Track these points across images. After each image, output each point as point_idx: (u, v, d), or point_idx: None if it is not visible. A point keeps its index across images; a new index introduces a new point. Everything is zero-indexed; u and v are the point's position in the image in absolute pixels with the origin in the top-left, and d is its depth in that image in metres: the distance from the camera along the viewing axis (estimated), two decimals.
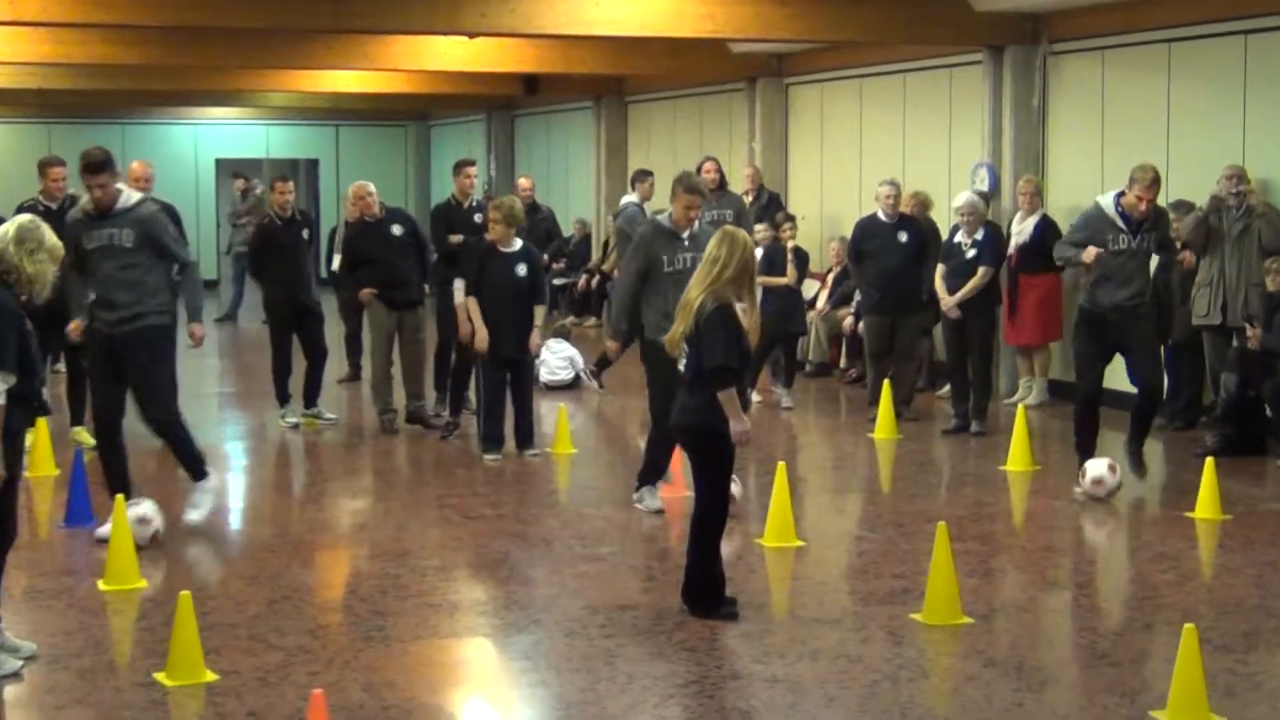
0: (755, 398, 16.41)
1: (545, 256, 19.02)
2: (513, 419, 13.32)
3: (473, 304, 12.96)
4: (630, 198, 19.52)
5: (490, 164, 30.23)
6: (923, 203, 16.88)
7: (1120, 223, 11.57)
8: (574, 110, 28.05)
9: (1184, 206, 14.31)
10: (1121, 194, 11.62)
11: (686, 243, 10.84)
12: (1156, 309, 13.11)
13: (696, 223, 11.08)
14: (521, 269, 13.01)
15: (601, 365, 16.69)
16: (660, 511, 11.04)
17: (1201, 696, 6.87)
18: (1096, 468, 11.54)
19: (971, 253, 14.63)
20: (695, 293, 8.43)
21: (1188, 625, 6.89)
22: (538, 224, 20.09)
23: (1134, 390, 12.23)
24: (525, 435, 13.37)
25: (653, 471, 11.28)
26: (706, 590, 8.57)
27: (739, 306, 8.41)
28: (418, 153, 34.87)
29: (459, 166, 15.54)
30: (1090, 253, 11.53)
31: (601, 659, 7.87)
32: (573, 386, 17.67)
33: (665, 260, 10.80)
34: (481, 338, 12.85)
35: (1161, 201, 14.25)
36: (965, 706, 7.20)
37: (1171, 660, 7.29)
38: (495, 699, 7.59)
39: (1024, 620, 8.81)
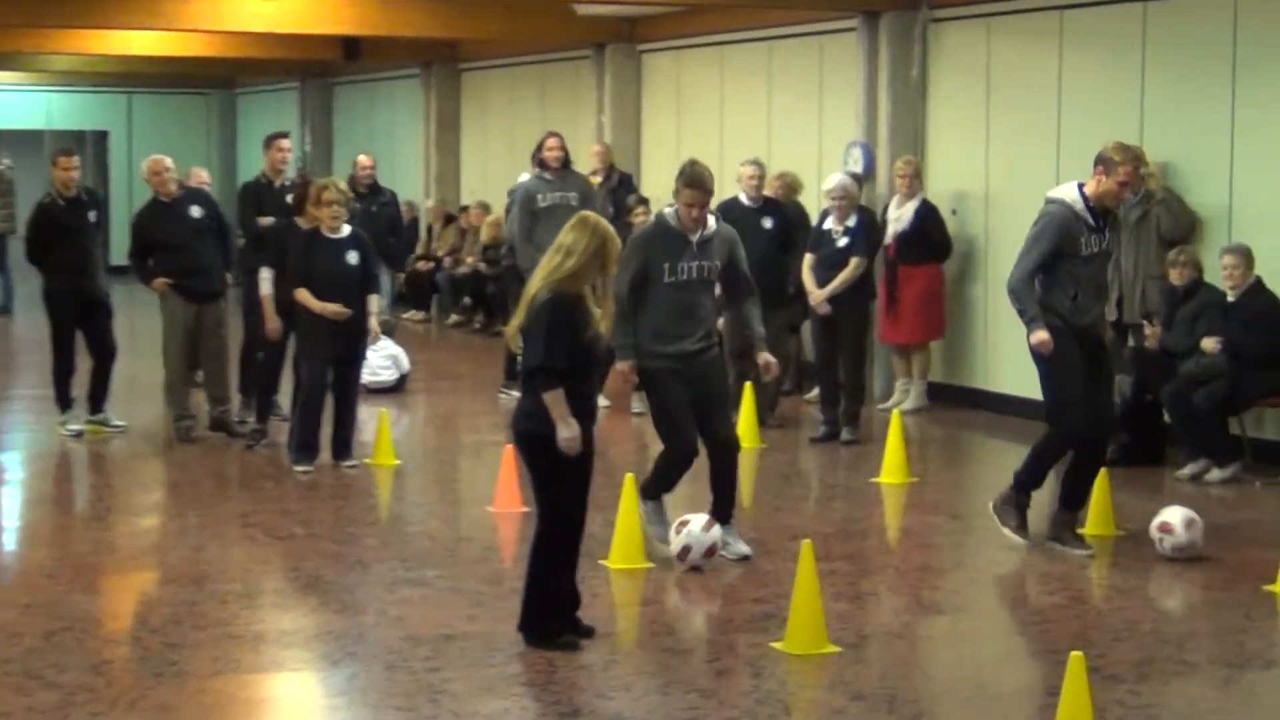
0: (604, 402, 16.48)
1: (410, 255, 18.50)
2: (331, 426, 13.26)
3: (305, 294, 12.85)
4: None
5: (305, 138, 30.04)
6: (790, 185, 17.01)
7: (1090, 219, 10.65)
8: (400, 79, 27.99)
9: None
10: (1083, 185, 10.77)
11: (696, 249, 10.25)
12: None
13: (711, 224, 10.34)
14: (352, 257, 12.96)
15: None
16: (746, 557, 10.38)
17: None
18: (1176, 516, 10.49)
19: (843, 241, 14.77)
20: (533, 284, 8.45)
21: (1074, 653, 7.01)
22: (381, 209, 19.74)
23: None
24: (343, 445, 13.33)
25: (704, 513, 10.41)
26: (540, 618, 8.58)
27: (591, 302, 8.45)
28: (222, 125, 34.60)
29: (270, 140, 15.46)
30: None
31: (425, 695, 7.83)
32: (396, 389, 17.61)
33: (666, 268, 10.20)
34: (274, 327, 13.26)
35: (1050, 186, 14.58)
36: None
37: (1054, 691, 7.43)
38: None
39: (897, 648, 8.91)
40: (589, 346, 8.49)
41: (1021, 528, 10.70)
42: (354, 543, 11.06)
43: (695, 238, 10.23)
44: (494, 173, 25.36)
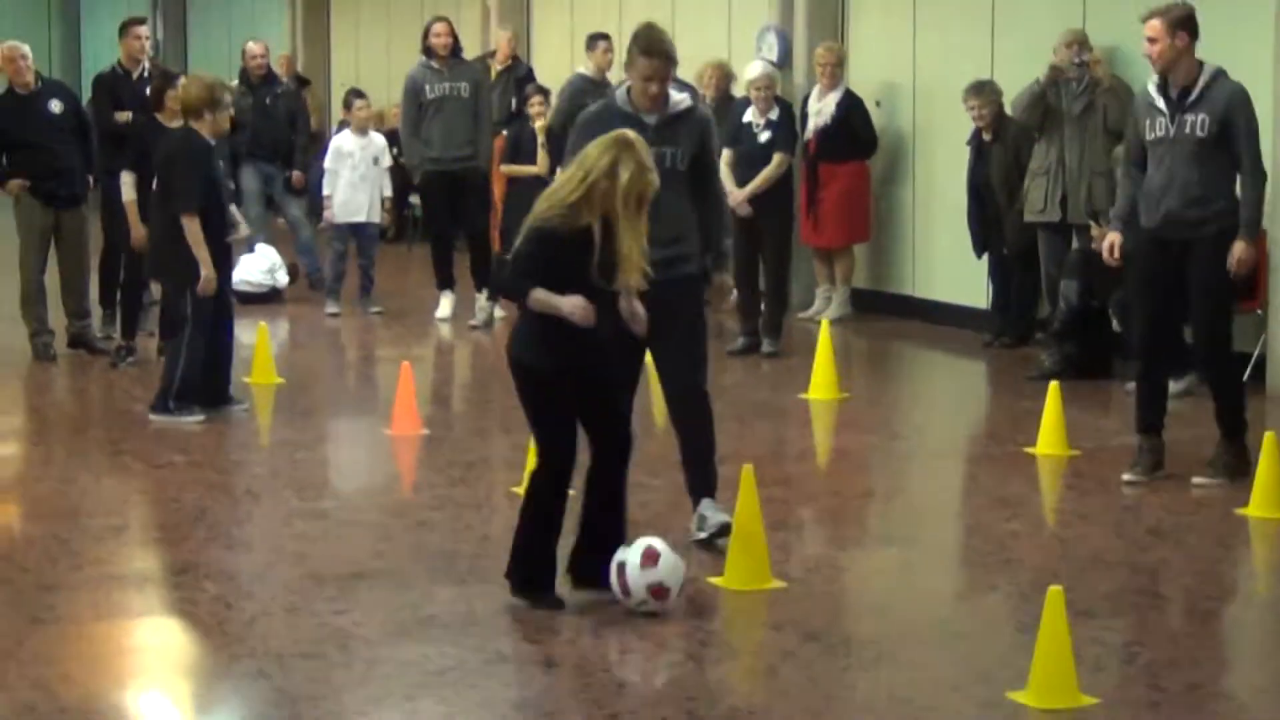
0: (500, 313, 16.30)
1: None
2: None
3: (195, 228, 11.72)
4: (583, 70, 17.90)
5: (156, 24, 29.47)
6: (726, 75, 16.63)
7: (1160, 101, 10.25)
8: None
9: (988, 89, 14.51)
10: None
11: (653, 133, 8.58)
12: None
13: (677, 100, 8.91)
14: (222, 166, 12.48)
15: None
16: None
17: (1070, 673, 6.85)
18: None
19: (765, 135, 14.60)
20: (538, 204, 7.97)
21: (1053, 589, 6.86)
22: (277, 101, 19.12)
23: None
24: (226, 386, 12.53)
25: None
26: (531, 568, 8.12)
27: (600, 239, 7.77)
28: (64, 11, 33.87)
29: (126, 27, 15.20)
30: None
31: (333, 641, 7.58)
32: (270, 299, 17.32)
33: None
34: (209, 278, 11.76)
35: (983, 75, 14.50)
36: (786, 691, 7.09)
37: (1025, 629, 7.36)
38: (202, 694, 7.26)
39: (846, 583, 8.79)
40: (595, 294, 7.82)
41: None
42: (239, 471, 10.85)
43: (653, 120, 8.72)
44: (367, 63, 24.99)
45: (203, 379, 11.97)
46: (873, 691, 7.06)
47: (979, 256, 15.00)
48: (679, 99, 8.99)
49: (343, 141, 17.25)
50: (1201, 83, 10.09)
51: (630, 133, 7.79)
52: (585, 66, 17.35)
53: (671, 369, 9.03)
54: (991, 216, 14.70)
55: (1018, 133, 14.38)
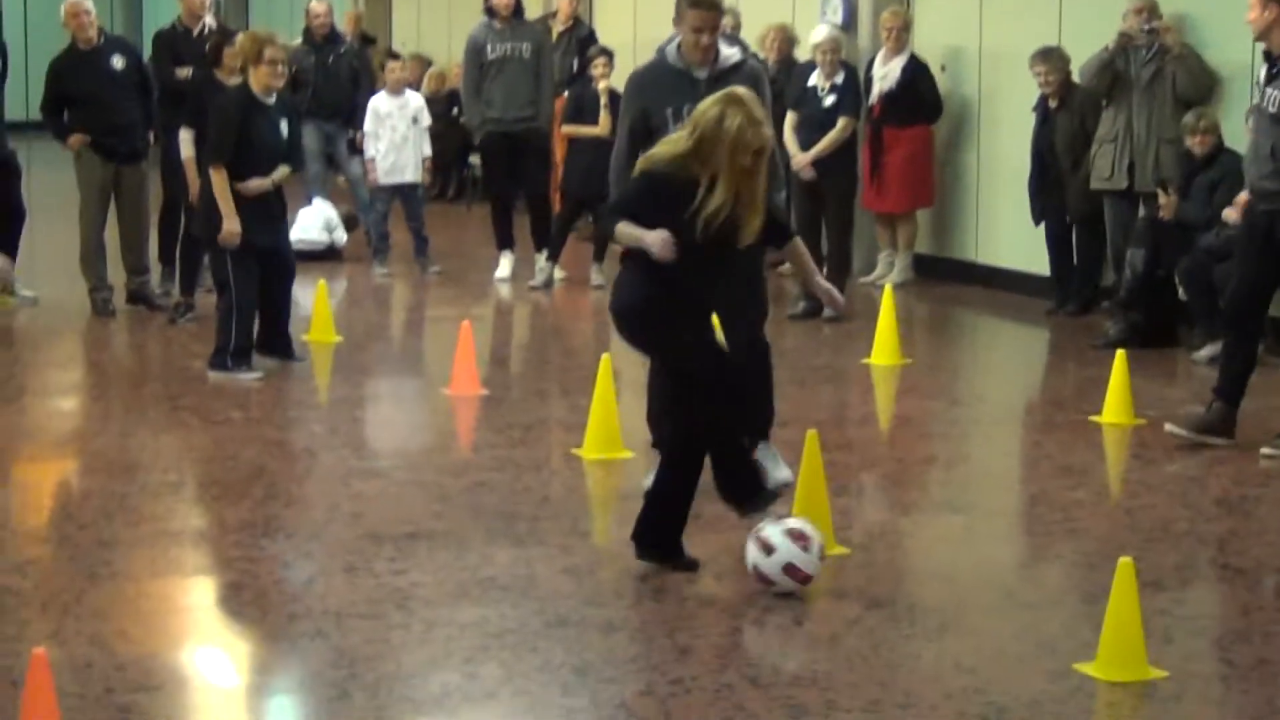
0: (560, 274, 16.20)
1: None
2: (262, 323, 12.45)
3: (221, 180, 11.74)
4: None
5: None
6: (789, 38, 16.52)
7: (1261, 72, 10.47)
8: None
9: (1055, 55, 14.37)
10: None
11: (705, 88, 8.49)
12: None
13: (728, 54, 8.96)
14: (284, 126, 12.37)
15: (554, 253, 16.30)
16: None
17: (1139, 646, 6.75)
18: None
19: (830, 99, 14.54)
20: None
21: (1124, 560, 6.75)
22: (338, 60, 18.77)
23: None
24: (282, 345, 12.49)
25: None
26: (672, 528, 7.94)
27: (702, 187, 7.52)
28: None
29: None
30: None
31: (392, 601, 7.53)
32: (328, 256, 17.27)
33: (670, 114, 8.78)
34: (232, 231, 11.67)
35: (1051, 41, 14.35)
36: (849, 659, 6.99)
37: (1093, 600, 7.27)
38: (259, 652, 7.20)
39: (909, 550, 8.68)
40: (628, 198, 7.84)
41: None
42: (297, 428, 10.80)
43: (704, 75, 8.80)
44: (429, 23, 24.90)
45: (265, 334, 11.97)
46: (937, 661, 6.95)
47: (1036, 224, 14.87)
48: (729, 53, 9.01)
49: (379, 103, 17.08)
50: None
51: (740, 89, 7.60)
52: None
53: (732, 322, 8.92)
54: (1053, 184, 14.56)
55: (1084, 99, 14.24)
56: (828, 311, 14.19)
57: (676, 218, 7.45)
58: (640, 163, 7.73)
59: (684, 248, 7.43)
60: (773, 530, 7.55)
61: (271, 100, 12.10)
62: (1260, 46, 10.98)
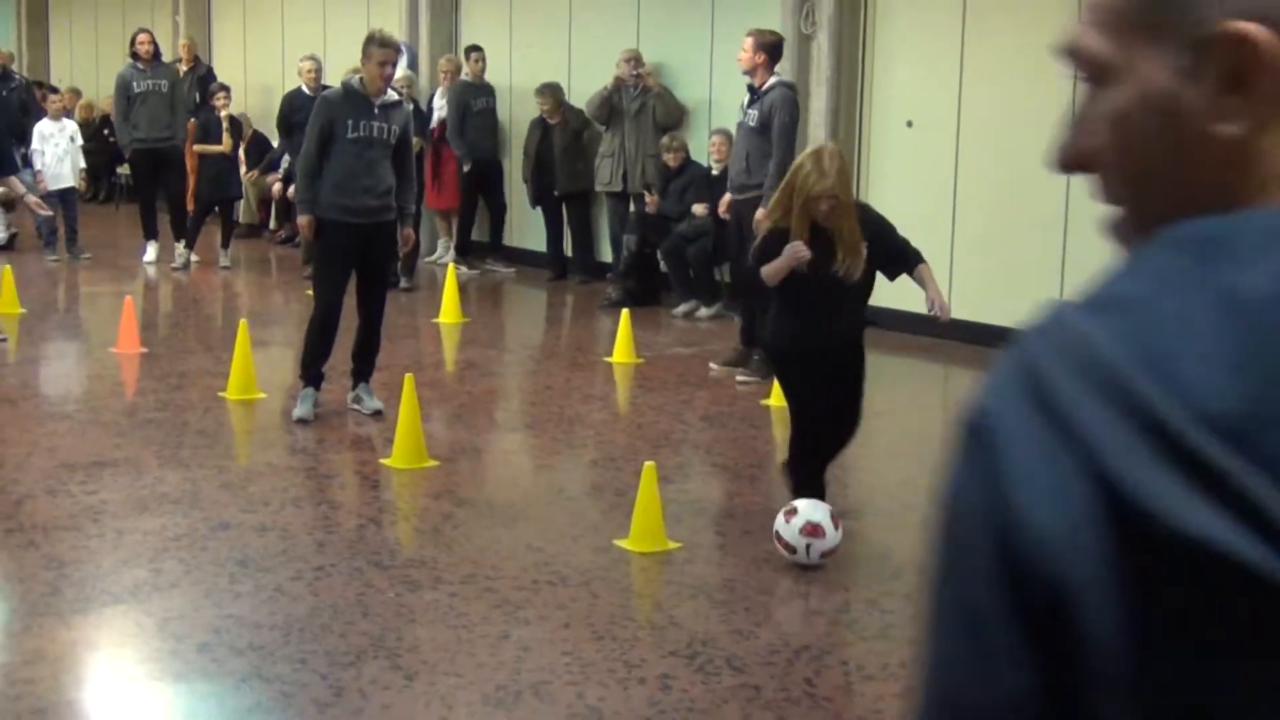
0: (195, 258, 15.59)
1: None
2: None
3: None
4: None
5: None
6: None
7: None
8: None
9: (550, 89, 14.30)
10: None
11: (377, 110, 8.69)
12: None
13: (392, 95, 8.87)
14: None
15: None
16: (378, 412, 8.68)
17: (659, 526, 6.79)
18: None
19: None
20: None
21: (648, 463, 6.78)
22: (11, 94, 17.81)
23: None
24: None
25: None
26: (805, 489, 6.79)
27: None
28: None
29: None
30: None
31: (88, 516, 7.11)
32: (7, 247, 16.31)
33: (350, 124, 8.63)
34: None
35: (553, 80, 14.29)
36: (449, 545, 6.84)
37: (622, 493, 7.31)
38: None
39: (485, 461, 8.55)
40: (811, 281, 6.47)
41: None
42: None
43: (378, 101, 8.69)
44: (80, 63, 23.69)
45: None
46: (513, 542, 6.87)
47: (533, 208, 14.91)
48: (392, 94, 8.93)
49: (44, 127, 16.21)
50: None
51: (825, 146, 6.61)
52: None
53: (365, 297, 9.06)
54: (548, 184, 14.56)
55: (576, 118, 14.27)
56: (403, 284, 13.96)
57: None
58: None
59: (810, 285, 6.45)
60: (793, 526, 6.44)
61: None
62: (739, 82, 11.10)
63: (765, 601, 6.23)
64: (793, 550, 6.43)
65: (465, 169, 15.12)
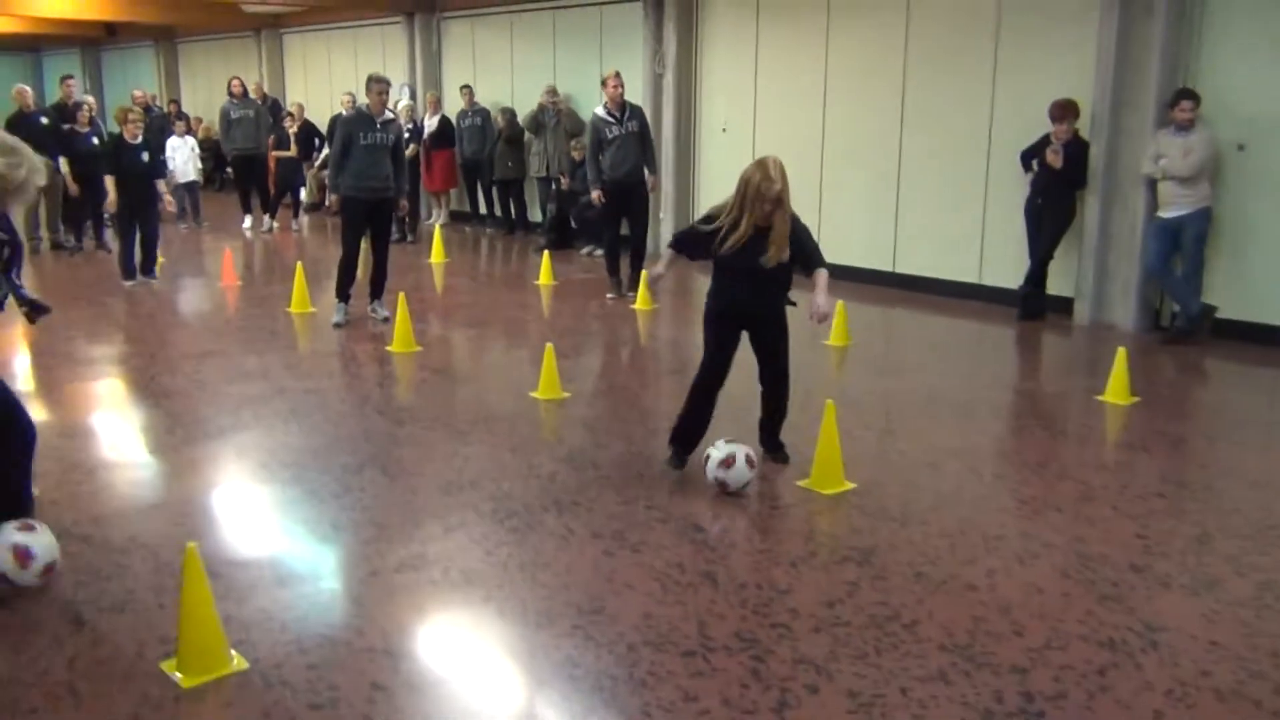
0: (275, 224, 15.31)
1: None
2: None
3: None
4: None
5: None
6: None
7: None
8: (239, 38, 24.22)
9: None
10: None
11: (378, 125, 8.67)
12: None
13: (388, 113, 8.71)
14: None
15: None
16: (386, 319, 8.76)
17: (556, 382, 6.74)
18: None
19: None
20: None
21: (549, 344, 6.73)
22: (153, 121, 16.73)
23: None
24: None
25: None
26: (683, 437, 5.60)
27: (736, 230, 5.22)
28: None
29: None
30: None
31: (195, 385, 7.03)
32: None
33: (361, 135, 8.60)
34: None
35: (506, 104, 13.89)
36: (426, 397, 6.87)
37: (538, 364, 7.18)
38: None
39: (452, 345, 8.37)
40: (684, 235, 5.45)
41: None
42: None
43: (379, 120, 8.67)
44: (198, 94, 23.01)
45: None
46: (466, 395, 6.76)
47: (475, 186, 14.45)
48: (388, 113, 8.78)
49: (173, 141, 14.87)
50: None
51: (765, 159, 5.17)
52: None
53: (376, 244, 8.79)
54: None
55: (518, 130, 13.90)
56: (409, 238, 13.75)
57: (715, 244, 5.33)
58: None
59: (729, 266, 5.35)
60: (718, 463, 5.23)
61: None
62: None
63: (622, 427, 6.34)
64: (723, 484, 5.20)
65: (459, 163, 14.85)
